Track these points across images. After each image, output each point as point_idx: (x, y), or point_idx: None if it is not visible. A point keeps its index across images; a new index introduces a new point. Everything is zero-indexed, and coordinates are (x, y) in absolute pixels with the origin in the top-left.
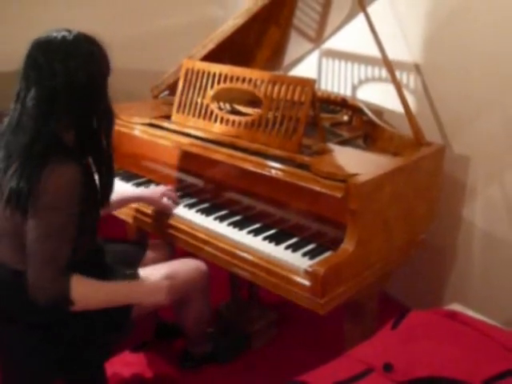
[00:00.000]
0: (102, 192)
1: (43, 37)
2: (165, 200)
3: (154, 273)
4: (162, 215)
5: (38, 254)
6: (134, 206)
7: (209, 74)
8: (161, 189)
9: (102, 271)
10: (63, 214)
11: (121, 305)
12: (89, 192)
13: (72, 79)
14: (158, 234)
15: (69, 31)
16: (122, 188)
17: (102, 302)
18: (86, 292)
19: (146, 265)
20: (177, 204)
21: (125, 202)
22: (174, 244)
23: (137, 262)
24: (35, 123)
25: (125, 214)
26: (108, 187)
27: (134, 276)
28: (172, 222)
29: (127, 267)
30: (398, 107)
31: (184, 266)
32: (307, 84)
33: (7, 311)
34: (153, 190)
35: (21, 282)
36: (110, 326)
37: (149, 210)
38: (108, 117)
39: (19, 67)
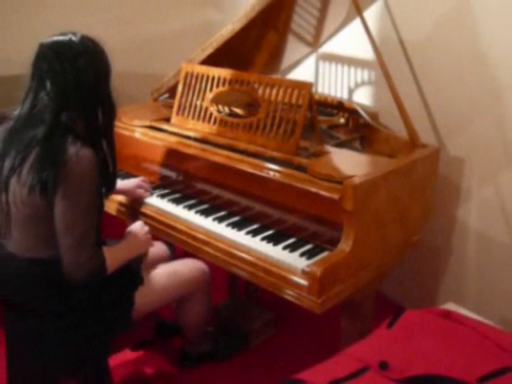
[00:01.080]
0: (108, 179)
1: (51, 39)
2: (139, 190)
3: (156, 273)
4: (161, 215)
5: (74, 235)
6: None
7: (208, 77)
8: (134, 180)
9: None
10: (90, 194)
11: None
12: (101, 176)
13: (81, 76)
14: (158, 235)
15: (74, 34)
16: None
17: (119, 264)
18: (110, 258)
19: (147, 265)
20: (150, 194)
21: None
22: (175, 244)
23: (138, 261)
24: (51, 115)
25: (125, 214)
26: (114, 175)
27: (138, 275)
28: (172, 222)
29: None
30: (393, 110)
31: (186, 267)
32: (304, 87)
33: (20, 303)
34: (127, 182)
35: (34, 271)
36: (113, 318)
37: (147, 210)
38: (112, 110)
39: (18, 72)
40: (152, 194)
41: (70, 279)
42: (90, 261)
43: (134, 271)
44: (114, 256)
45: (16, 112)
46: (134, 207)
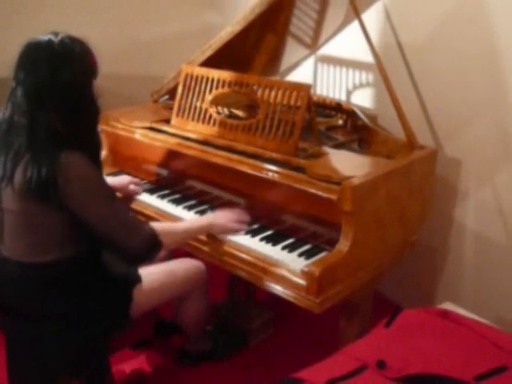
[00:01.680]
0: None
1: (31, 39)
2: (131, 186)
3: (153, 271)
4: (161, 216)
5: (117, 227)
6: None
7: (207, 79)
8: (126, 177)
9: (101, 265)
10: (101, 187)
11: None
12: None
13: (56, 77)
14: None
15: (55, 34)
16: None
17: (176, 240)
18: (163, 233)
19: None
20: (139, 191)
21: None
22: None
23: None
24: (27, 117)
25: None
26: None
27: (135, 274)
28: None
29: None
30: (391, 111)
31: (183, 266)
32: (303, 89)
33: (15, 307)
34: (118, 178)
35: (28, 275)
36: (111, 317)
37: (147, 210)
38: (93, 111)
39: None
40: (142, 191)
41: (136, 262)
42: (142, 239)
43: (132, 270)
44: (166, 229)
45: (1, 115)
46: (134, 209)
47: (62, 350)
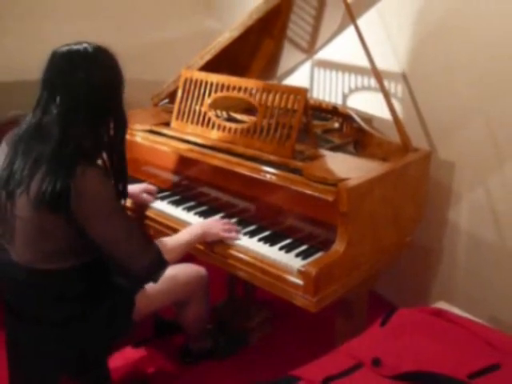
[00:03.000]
0: (119, 190)
1: (66, 48)
2: (144, 195)
3: None
4: (161, 217)
5: (125, 248)
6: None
7: (206, 83)
8: (140, 185)
9: (106, 272)
10: (115, 205)
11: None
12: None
13: (94, 91)
14: (157, 236)
15: (89, 43)
16: None
17: (179, 255)
18: (169, 252)
19: None
20: (155, 198)
21: None
22: None
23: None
24: (61, 129)
25: None
26: (124, 185)
27: (137, 290)
28: (171, 224)
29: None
30: (386, 115)
31: (184, 271)
32: (300, 93)
33: (20, 310)
34: (132, 186)
35: (37, 281)
36: (115, 323)
37: (147, 212)
38: (123, 121)
39: (19, 78)
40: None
41: (142, 281)
42: (149, 259)
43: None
44: (176, 246)
45: (27, 119)
46: (137, 210)
47: (65, 354)
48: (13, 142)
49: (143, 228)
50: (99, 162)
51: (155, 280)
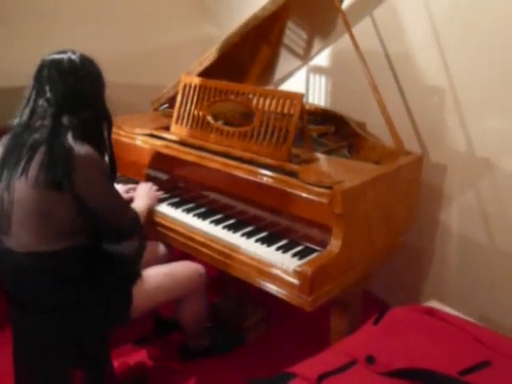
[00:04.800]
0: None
1: (54, 56)
2: (126, 195)
3: (154, 273)
4: (161, 218)
5: (119, 203)
6: None
7: (205, 88)
8: (121, 187)
9: (106, 258)
10: (108, 174)
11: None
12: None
13: (79, 85)
14: (157, 237)
15: (73, 52)
16: None
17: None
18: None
19: (145, 265)
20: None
21: None
22: (172, 245)
23: (139, 257)
24: (52, 118)
25: None
26: (114, 170)
27: (137, 269)
28: (171, 225)
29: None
30: (380, 119)
31: (183, 268)
32: (296, 98)
33: (19, 298)
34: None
35: (37, 265)
36: (112, 310)
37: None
38: (107, 118)
39: (17, 84)
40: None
41: (125, 236)
42: (131, 216)
43: (133, 266)
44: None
45: (16, 120)
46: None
47: (64, 342)
48: (7, 142)
49: None
50: None
51: (134, 234)
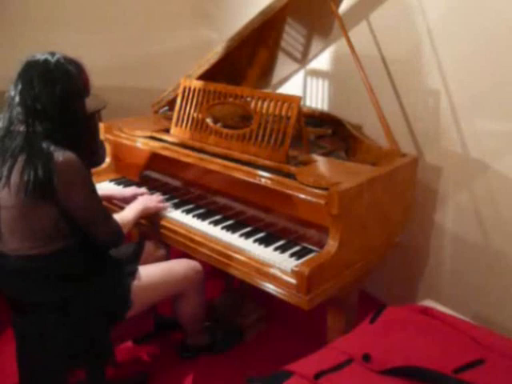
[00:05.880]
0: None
1: (30, 57)
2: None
3: (152, 270)
4: (160, 219)
5: (99, 214)
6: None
7: (204, 91)
8: (131, 190)
9: (107, 261)
10: (89, 182)
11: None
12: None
13: (49, 92)
14: (158, 237)
15: (52, 54)
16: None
17: (128, 229)
18: (123, 224)
19: (143, 264)
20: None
21: (106, 197)
22: (170, 245)
23: (136, 257)
24: (25, 126)
25: None
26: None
27: (134, 272)
28: (171, 225)
29: (128, 262)
30: (375, 122)
31: (180, 266)
32: (293, 100)
33: (17, 300)
34: (125, 190)
35: (31, 266)
36: (111, 305)
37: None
38: (87, 123)
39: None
40: None
41: (110, 246)
42: (112, 226)
43: (130, 262)
44: (123, 219)
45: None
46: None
47: (65, 339)
48: None
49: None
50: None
51: (116, 246)
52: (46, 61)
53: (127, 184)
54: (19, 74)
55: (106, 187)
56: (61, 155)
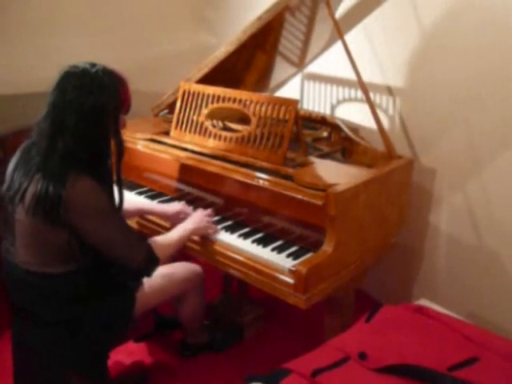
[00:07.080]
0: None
1: (70, 66)
2: (181, 216)
3: (154, 276)
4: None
5: (119, 243)
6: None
7: (203, 94)
8: (176, 206)
9: (106, 273)
10: (107, 212)
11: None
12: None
13: (79, 104)
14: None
15: (93, 65)
16: (136, 199)
17: (172, 249)
18: (160, 249)
19: None
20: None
21: (140, 212)
22: None
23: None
24: (46, 141)
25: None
26: (119, 198)
27: (139, 286)
28: (170, 226)
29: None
30: (372, 124)
31: (181, 268)
32: (291, 104)
33: (23, 310)
34: (168, 206)
35: (40, 283)
36: (115, 322)
37: (150, 216)
38: (116, 141)
39: (25, 91)
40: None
41: (137, 277)
42: (142, 253)
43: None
44: (167, 244)
45: (34, 130)
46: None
47: (68, 353)
48: (20, 151)
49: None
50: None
51: (149, 275)
52: (84, 70)
53: (129, 186)
54: (57, 84)
55: (137, 200)
56: (74, 183)
